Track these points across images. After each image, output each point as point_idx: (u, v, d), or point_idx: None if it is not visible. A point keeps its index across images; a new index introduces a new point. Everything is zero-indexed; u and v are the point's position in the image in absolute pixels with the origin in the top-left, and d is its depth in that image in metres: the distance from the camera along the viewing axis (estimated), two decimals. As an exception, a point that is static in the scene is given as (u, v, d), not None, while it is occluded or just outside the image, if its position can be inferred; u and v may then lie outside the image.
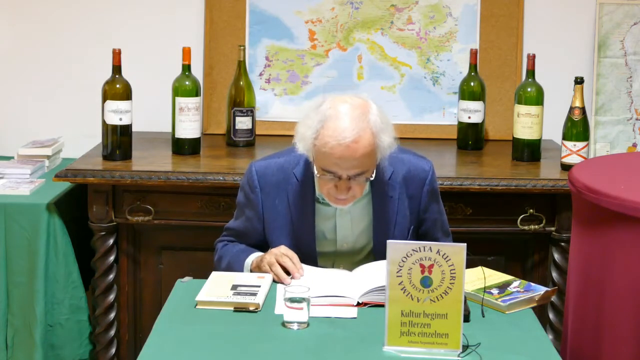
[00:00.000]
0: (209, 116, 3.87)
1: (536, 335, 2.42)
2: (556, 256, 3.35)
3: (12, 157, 3.74)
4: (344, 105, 2.56)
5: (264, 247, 2.84)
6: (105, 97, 3.41)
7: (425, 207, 2.81)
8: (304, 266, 2.70)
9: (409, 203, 2.78)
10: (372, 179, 2.62)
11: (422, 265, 2.25)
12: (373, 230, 2.77)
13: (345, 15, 3.88)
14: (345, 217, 2.77)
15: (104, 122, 3.43)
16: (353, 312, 2.49)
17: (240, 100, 3.65)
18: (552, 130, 3.68)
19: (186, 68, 3.52)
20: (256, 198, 2.78)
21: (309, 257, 2.76)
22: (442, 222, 2.90)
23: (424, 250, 2.24)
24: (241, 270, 2.76)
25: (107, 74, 3.43)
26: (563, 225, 3.31)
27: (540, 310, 2.99)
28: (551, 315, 3.36)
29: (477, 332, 2.35)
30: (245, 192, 2.82)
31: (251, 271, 2.75)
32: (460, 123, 3.73)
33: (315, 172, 2.61)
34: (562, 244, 3.32)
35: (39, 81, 3.94)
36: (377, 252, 2.76)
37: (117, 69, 3.41)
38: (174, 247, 3.44)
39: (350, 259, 2.81)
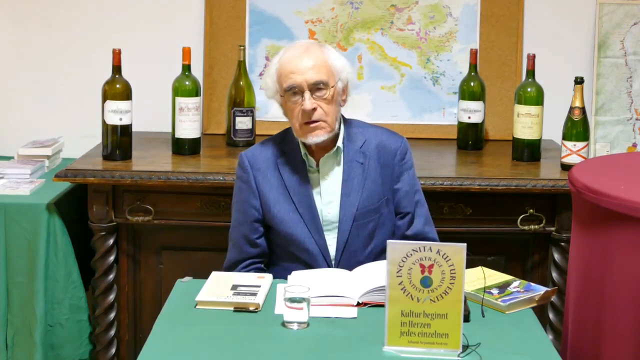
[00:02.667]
0: (209, 116, 3.87)
1: (536, 335, 2.42)
2: (556, 256, 3.35)
3: (12, 157, 3.74)
4: (298, 41, 2.98)
5: (258, 241, 2.88)
6: (105, 97, 3.41)
7: (397, 177, 2.89)
8: (304, 271, 2.71)
9: (381, 171, 2.87)
10: (333, 91, 2.79)
11: (422, 265, 2.25)
12: (341, 192, 2.85)
13: (345, 15, 3.88)
14: (328, 184, 2.85)
15: (104, 122, 3.43)
16: (353, 312, 2.49)
17: (240, 100, 3.65)
18: (552, 130, 3.68)
19: (186, 68, 3.52)
20: (248, 176, 2.87)
21: (312, 220, 2.83)
22: (419, 201, 2.93)
23: (424, 250, 2.24)
24: None
25: (107, 74, 3.43)
26: (563, 225, 3.31)
27: (540, 310, 2.99)
28: (551, 315, 3.36)
29: (477, 332, 2.35)
30: (238, 177, 2.92)
31: None
32: (460, 123, 3.73)
33: (283, 97, 2.81)
34: (562, 244, 3.32)
35: (39, 81, 3.94)
36: (343, 216, 2.83)
37: (117, 69, 3.41)
38: (174, 247, 3.44)
39: (334, 228, 2.85)
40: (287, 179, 2.84)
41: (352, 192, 2.84)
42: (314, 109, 2.76)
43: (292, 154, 2.86)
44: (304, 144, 2.84)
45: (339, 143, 2.85)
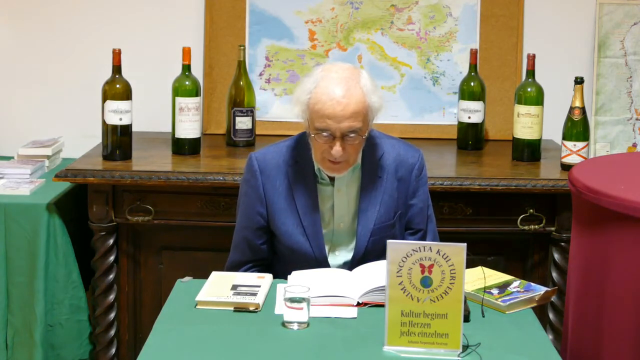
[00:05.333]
0: (209, 116, 3.87)
1: (536, 335, 2.42)
2: (556, 256, 3.35)
3: (12, 157, 3.74)
4: (336, 68, 2.73)
5: (262, 247, 2.86)
6: (105, 97, 3.41)
7: (413, 192, 2.86)
8: (305, 271, 2.71)
9: (397, 185, 2.83)
10: (364, 137, 2.70)
11: (422, 265, 2.25)
12: (359, 206, 2.80)
13: (345, 15, 3.88)
14: (342, 197, 2.81)
15: (104, 122, 3.43)
16: (353, 312, 2.49)
17: (240, 100, 3.65)
18: (552, 130, 3.68)
19: (186, 68, 3.52)
20: (257, 182, 2.82)
21: (315, 236, 2.79)
22: (430, 216, 2.92)
23: (424, 250, 2.24)
24: None
25: (107, 74, 3.43)
26: (563, 225, 3.31)
27: (540, 310, 2.99)
28: (551, 315, 3.36)
29: (477, 332, 2.35)
30: (245, 180, 2.86)
31: None
32: (460, 123, 3.73)
33: (310, 133, 2.71)
34: (562, 244, 3.32)
35: (39, 81, 3.93)
36: (361, 232, 2.79)
37: (117, 69, 3.41)
38: (174, 247, 3.44)
39: (346, 241, 2.83)
40: (295, 190, 2.80)
41: (370, 207, 2.80)
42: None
43: (304, 165, 2.80)
44: None
45: (358, 160, 2.78)
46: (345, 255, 2.83)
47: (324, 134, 2.66)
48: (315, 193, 2.79)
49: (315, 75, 2.71)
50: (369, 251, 2.80)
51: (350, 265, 2.81)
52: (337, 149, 2.66)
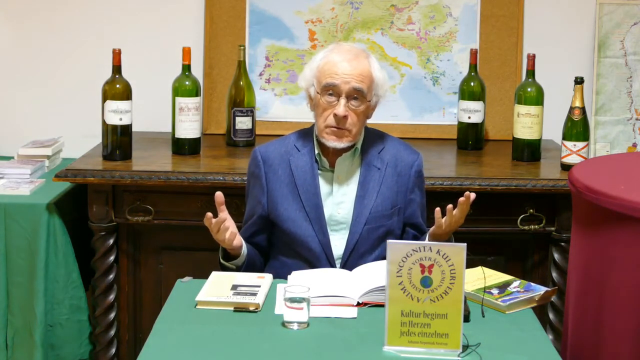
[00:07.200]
0: (209, 116, 3.87)
1: (536, 335, 2.42)
2: (556, 256, 3.35)
3: (12, 157, 3.74)
4: (346, 44, 2.98)
5: (256, 238, 2.90)
6: (105, 97, 3.41)
7: (412, 187, 2.91)
8: (305, 271, 2.72)
9: (397, 179, 2.89)
10: (368, 104, 2.83)
11: (422, 265, 2.25)
12: (356, 195, 2.86)
13: (345, 15, 3.88)
14: (341, 184, 2.87)
15: (104, 122, 3.43)
16: (353, 312, 2.49)
17: (240, 100, 3.65)
18: (552, 130, 3.68)
19: (186, 68, 3.52)
20: (260, 172, 2.89)
21: (318, 220, 2.83)
22: (426, 217, 2.97)
23: (424, 250, 2.24)
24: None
25: (107, 74, 3.43)
26: (563, 225, 3.31)
27: (540, 310, 2.99)
28: (551, 315, 3.36)
29: (477, 332, 2.36)
30: (250, 172, 2.94)
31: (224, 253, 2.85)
32: (460, 123, 3.73)
33: (317, 94, 2.81)
34: (562, 244, 3.32)
35: (39, 81, 3.93)
36: (356, 218, 2.84)
37: (117, 69, 3.41)
38: (174, 247, 3.44)
39: (343, 228, 2.86)
40: (297, 177, 2.85)
41: (367, 195, 2.85)
42: (345, 117, 2.77)
43: (306, 152, 2.87)
44: (319, 144, 2.85)
45: (358, 145, 2.86)
46: (341, 242, 2.85)
47: (330, 93, 2.77)
48: (316, 179, 2.85)
49: (326, 48, 2.90)
50: (363, 239, 2.84)
51: (345, 253, 2.84)
52: (341, 107, 2.76)
